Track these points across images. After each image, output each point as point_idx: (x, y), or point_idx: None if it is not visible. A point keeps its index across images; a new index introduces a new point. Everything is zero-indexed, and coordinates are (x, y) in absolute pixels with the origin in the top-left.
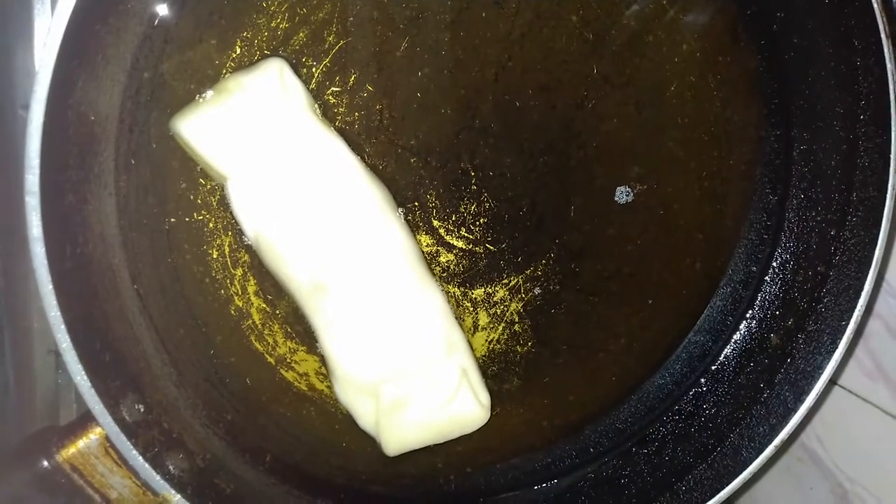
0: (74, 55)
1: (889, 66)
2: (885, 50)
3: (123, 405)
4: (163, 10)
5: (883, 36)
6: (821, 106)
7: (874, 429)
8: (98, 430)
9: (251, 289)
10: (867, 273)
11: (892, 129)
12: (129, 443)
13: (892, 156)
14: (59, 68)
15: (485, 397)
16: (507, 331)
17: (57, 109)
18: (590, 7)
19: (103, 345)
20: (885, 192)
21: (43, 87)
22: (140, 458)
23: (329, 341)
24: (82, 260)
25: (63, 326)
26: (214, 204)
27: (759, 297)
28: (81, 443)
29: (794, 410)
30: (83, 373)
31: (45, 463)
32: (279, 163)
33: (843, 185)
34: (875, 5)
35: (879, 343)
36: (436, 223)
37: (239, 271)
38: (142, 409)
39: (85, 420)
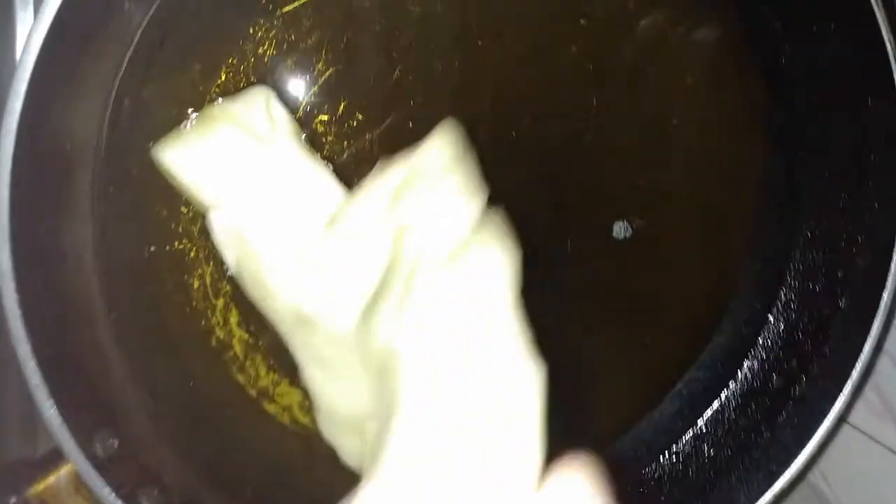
0: (49, 83)
1: None
2: None
3: (97, 439)
4: (145, 34)
5: (894, 69)
6: (829, 142)
7: (881, 468)
8: (69, 465)
9: (233, 319)
10: (874, 316)
11: None
12: (100, 480)
13: None
14: (32, 97)
15: None
16: None
17: (29, 140)
18: (589, 37)
19: (76, 378)
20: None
21: (13, 119)
22: (113, 495)
23: (312, 376)
24: (56, 291)
25: (33, 362)
26: (196, 233)
27: (763, 337)
28: (52, 479)
29: (795, 457)
30: (54, 409)
31: (14, 499)
32: (263, 193)
33: (851, 223)
34: (887, 42)
35: (887, 380)
36: None
37: (220, 301)
38: (116, 444)
39: (56, 455)
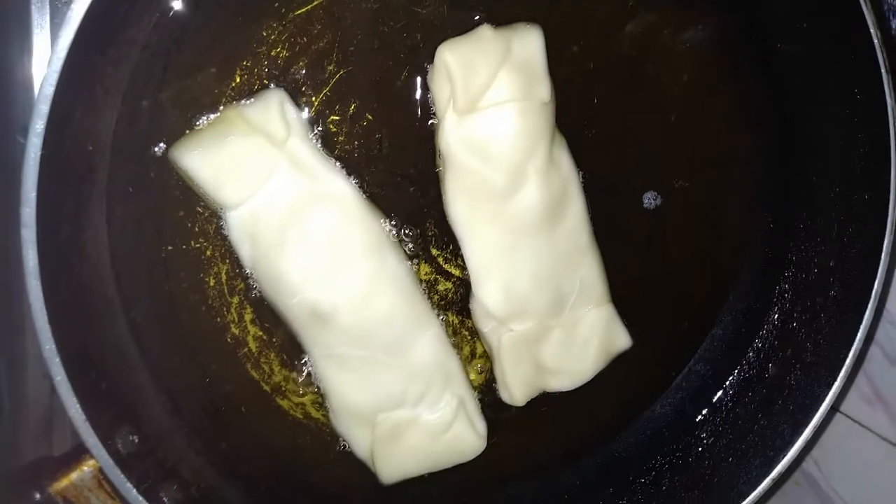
0: (73, 88)
1: (889, 100)
2: (885, 83)
3: (118, 436)
4: (162, 38)
5: (883, 70)
6: (821, 138)
7: (872, 454)
8: (91, 462)
9: (248, 317)
10: (867, 305)
11: (892, 162)
12: (123, 476)
13: (891, 188)
14: (58, 102)
15: (481, 426)
16: None
17: (55, 142)
18: (590, 37)
19: (98, 375)
20: (885, 225)
21: (41, 121)
22: (134, 490)
23: (325, 371)
24: (78, 291)
25: (58, 360)
26: (212, 232)
27: (759, 327)
28: (75, 475)
29: (791, 444)
30: (77, 406)
31: (38, 496)
32: (277, 192)
33: (842, 216)
34: (874, 38)
35: (878, 369)
36: (434, 251)
37: (236, 299)
38: (136, 440)
39: (78, 452)
